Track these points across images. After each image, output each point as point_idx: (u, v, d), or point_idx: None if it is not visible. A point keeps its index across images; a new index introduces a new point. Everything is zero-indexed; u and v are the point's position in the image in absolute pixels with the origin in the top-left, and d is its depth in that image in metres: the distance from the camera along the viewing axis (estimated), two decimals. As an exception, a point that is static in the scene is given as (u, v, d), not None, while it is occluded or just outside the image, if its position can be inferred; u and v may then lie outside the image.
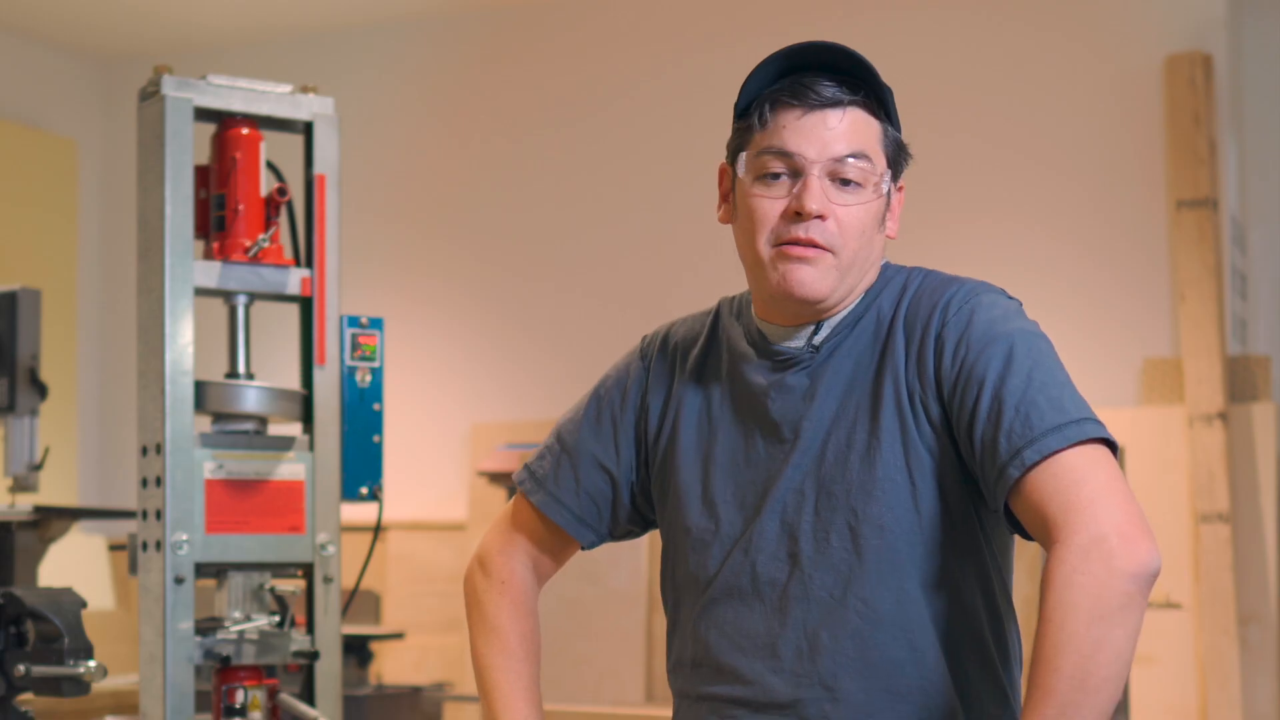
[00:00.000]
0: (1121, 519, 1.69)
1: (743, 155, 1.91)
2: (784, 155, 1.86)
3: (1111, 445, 1.77)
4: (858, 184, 1.86)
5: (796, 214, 1.85)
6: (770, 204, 1.87)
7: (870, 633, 1.82)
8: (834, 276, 1.87)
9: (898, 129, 1.93)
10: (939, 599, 1.83)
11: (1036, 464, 1.73)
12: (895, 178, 1.93)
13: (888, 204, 1.92)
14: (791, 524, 1.86)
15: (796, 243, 1.85)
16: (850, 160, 1.86)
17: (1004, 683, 1.88)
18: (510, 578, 2.05)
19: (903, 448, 1.83)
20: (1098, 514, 1.69)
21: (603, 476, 2.03)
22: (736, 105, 1.91)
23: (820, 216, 1.84)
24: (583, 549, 2.09)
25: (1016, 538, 1.89)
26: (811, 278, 1.86)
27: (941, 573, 1.83)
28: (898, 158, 1.92)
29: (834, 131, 1.86)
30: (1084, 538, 1.68)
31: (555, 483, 2.04)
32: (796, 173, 1.86)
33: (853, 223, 1.86)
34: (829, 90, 1.86)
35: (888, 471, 1.83)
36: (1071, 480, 1.72)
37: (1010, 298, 1.90)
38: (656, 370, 2.04)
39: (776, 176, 1.87)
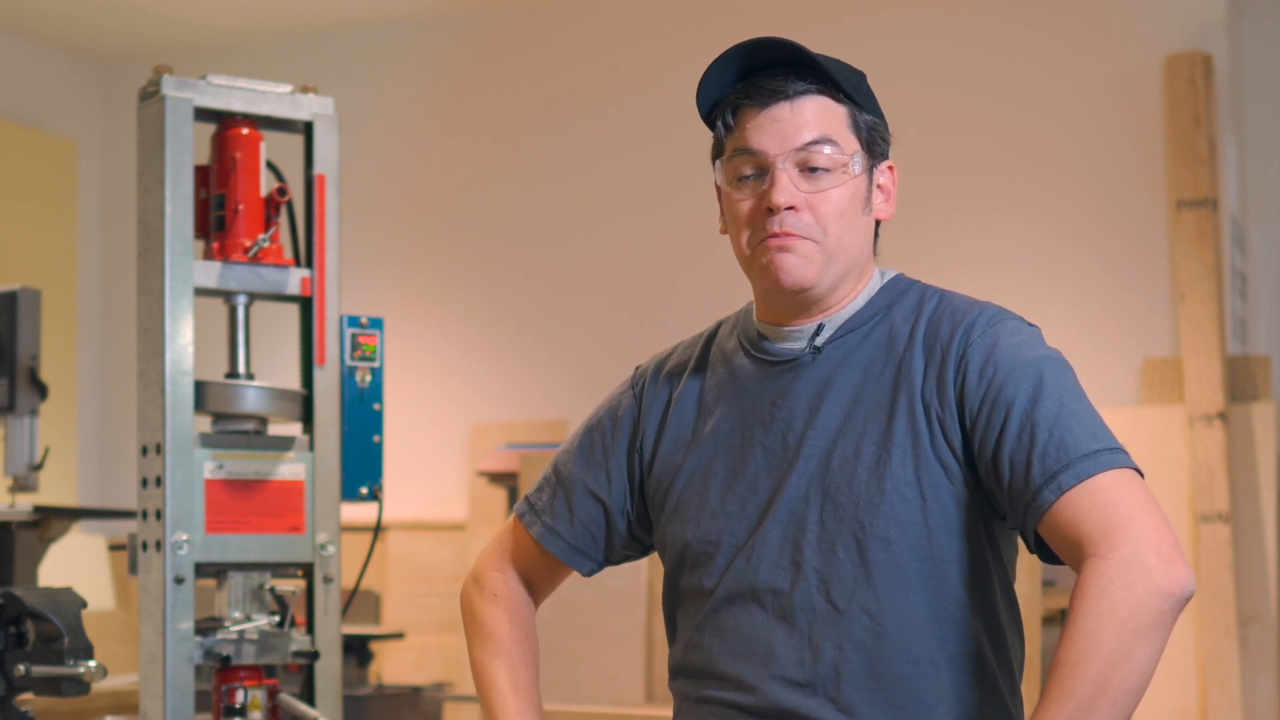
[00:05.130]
0: (1160, 539, 1.69)
1: (718, 163, 1.93)
2: (749, 154, 1.88)
3: (1140, 475, 1.77)
4: (826, 169, 1.87)
5: (769, 210, 1.86)
6: (746, 204, 1.89)
7: (875, 645, 1.81)
8: (819, 261, 1.88)
9: (872, 110, 1.93)
10: (945, 614, 1.82)
11: (1072, 488, 1.73)
12: (876, 158, 1.93)
13: (871, 184, 1.92)
14: (796, 533, 1.86)
15: (773, 237, 1.87)
16: (814, 147, 1.86)
17: (1006, 698, 1.88)
18: (504, 590, 2.08)
19: (914, 462, 1.82)
20: (1137, 531, 1.69)
21: (596, 505, 2.04)
22: (701, 115, 1.94)
23: (792, 208, 1.86)
24: (583, 576, 2.10)
25: (1022, 551, 1.89)
26: (794, 264, 1.87)
27: (948, 588, 1.82)
28: (873, 138, 1.92)
29: (792, 121, 1.87)
30: (1124, 552, 1.68)
31: (552, 514, 2.06)
32: (765, 169, 1.88)
33: (828, 209, 1.87)
34: (780, 83, 1.88)
35: (896, 485, 1.82)
36: (1109, 499, 1.72)
37: (1030, 324, 1.90)
38: (649, 398, 2.04)
39: (748, 177, 1.89)
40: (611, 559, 2.08)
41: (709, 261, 5.74)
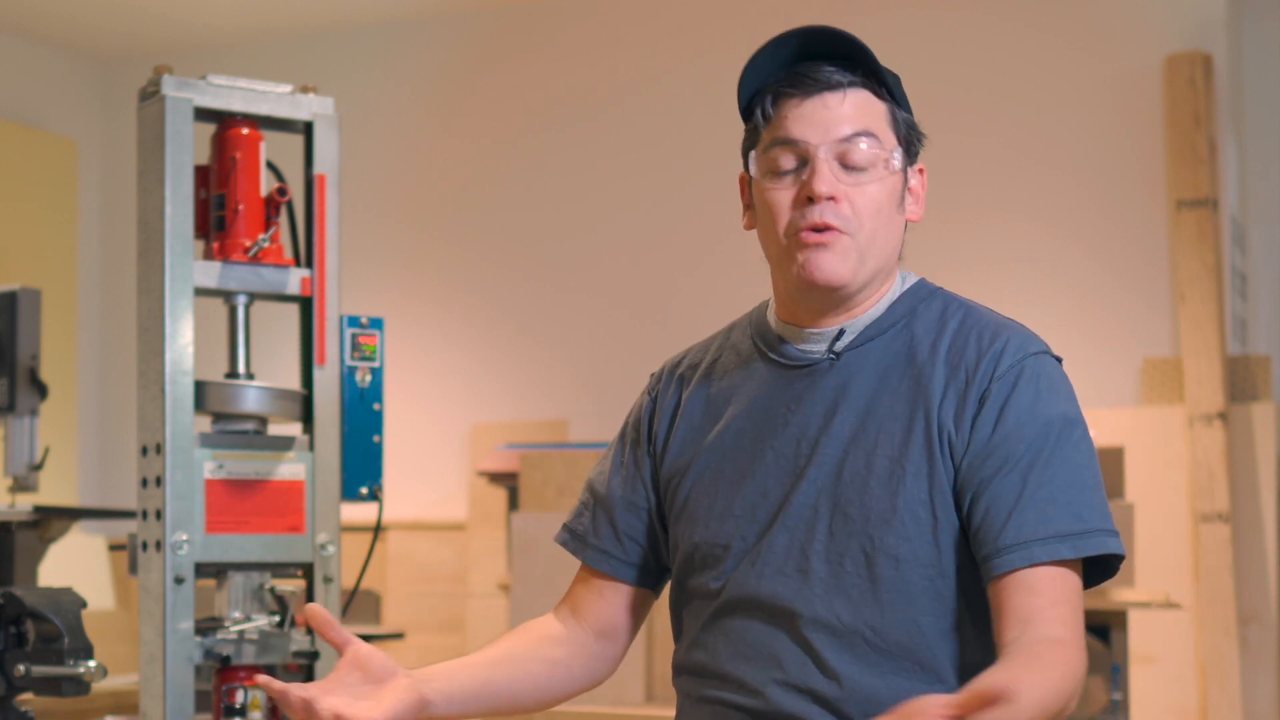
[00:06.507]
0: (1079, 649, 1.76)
1: (753, 154, 1.90)
2: (790, 144, 1.86)
3: (1120, 556, 1.81)
4: (866, 163, 1.85)
5: (809, 199, 1.84)
6: (783, 195, 1.86)
7: (878, 659, 1.81)
8: (854, 259, 1.85)
9: (907, 110, 1.92)
10: (952, 631, 1.82)
11: (1036, 565, 1.75)
12: (910, 158, 1.92)
13: (905, 184, 1.91)
14: (803, 541, 1.84)
15: (812, 229, 1.84)
16: (855, 140, 1.85)
17: None
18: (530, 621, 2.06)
19: (928, 481, 1.81)
20: (1072, 654, 1.74)
21: (635, 515, 2.02)
22: (739, 105, 1.91)
23: (832, 199, 1.83)
24: (654, 596, 2.06)
25: None
26: (831, 262, 1.84)
27: (956, 606, 1.82)
28: (910, 137, 1.91)
29: (835, 113, 1.85)
30: (1064, 652, 1.73)
31: (595, 535, 2.03)
32: (805, 160, 1.85)
33: (866, 203, 1.85)
34: (826, 74, 1.86)
35: (909, 503, 1.81)
36: (1059, 597, 1.76)
37: (1055, 356, 1.88)
38: (662, 399, 2.03)
39: (786, 172, 1.86)
40: (668, 565, 2.04)
41: (709, 261, 5.74)
